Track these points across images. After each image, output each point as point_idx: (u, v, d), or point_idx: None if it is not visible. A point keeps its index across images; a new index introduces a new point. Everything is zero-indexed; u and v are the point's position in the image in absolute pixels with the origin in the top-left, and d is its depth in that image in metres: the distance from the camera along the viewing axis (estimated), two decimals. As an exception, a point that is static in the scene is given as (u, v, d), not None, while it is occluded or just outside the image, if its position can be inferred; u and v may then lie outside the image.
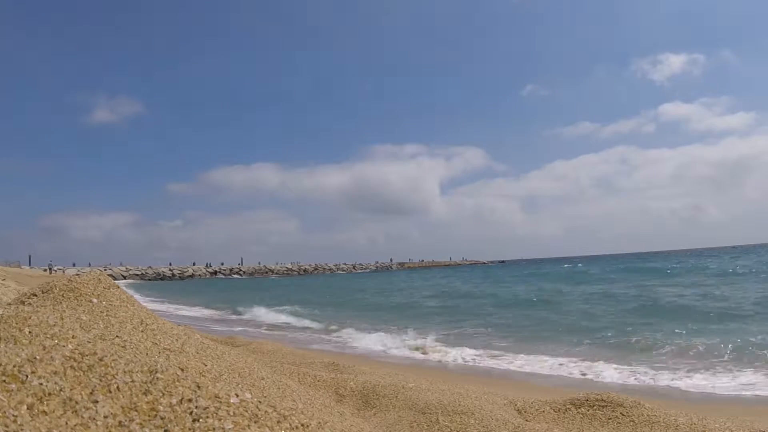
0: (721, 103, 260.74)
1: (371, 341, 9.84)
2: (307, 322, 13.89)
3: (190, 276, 78.65)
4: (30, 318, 1.50)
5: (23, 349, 1.32)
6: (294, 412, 1.49)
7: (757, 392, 5.52)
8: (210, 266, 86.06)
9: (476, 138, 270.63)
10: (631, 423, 2.79)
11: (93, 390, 1.27)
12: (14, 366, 1.24)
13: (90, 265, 74.59)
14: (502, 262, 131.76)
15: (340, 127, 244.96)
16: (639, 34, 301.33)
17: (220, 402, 1.36)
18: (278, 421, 1.40)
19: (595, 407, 2.97)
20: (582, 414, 2.95)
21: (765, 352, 7.28)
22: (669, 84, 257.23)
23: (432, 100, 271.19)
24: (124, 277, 68.46)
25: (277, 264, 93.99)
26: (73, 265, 71.09)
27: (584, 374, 6.74)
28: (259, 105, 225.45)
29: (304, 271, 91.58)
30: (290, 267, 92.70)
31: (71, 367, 1.32)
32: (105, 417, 1.20)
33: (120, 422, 1.20)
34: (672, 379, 6.25)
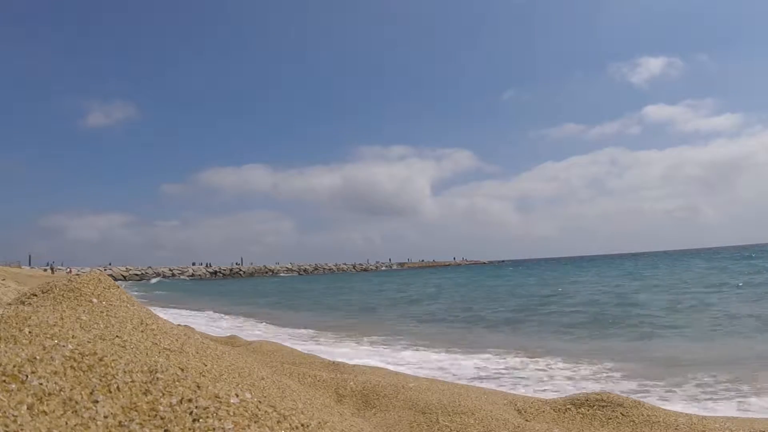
0: (706, 105, 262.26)
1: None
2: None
3: (190, 276, 78.51)
4: (30, 318, 1.50)
5: (23, 349, 1.32)
6: (294, 412, 1.49)
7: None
8: (210, 266, 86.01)
9: (463, 140, 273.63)
10: (631, 423, 2.79)
11: (93, 390, 1.27)
12: (14, 366, 1.24)
13: (79, 266, 74.50)
14: (501, 262, 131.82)
15: (327, 129, 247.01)
16: (615, 39, 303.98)
17: (220, 402, 1.36)
18: (278, 421, 1.40)
19: (595, 407, 2.97)
20: (582, 414, 2.94)
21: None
22: (649, 87, 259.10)
23: (417, 103, 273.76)
24: (125, 278, 68.26)
25: (276, 264, 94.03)
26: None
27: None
28: (248, 107, 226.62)
29: (305, 271, 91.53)
30: (290, 267, 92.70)
31: (71, 367, 1.32)
32: (105, 417, 1.20)
33: (120, 422, 1.20)
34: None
